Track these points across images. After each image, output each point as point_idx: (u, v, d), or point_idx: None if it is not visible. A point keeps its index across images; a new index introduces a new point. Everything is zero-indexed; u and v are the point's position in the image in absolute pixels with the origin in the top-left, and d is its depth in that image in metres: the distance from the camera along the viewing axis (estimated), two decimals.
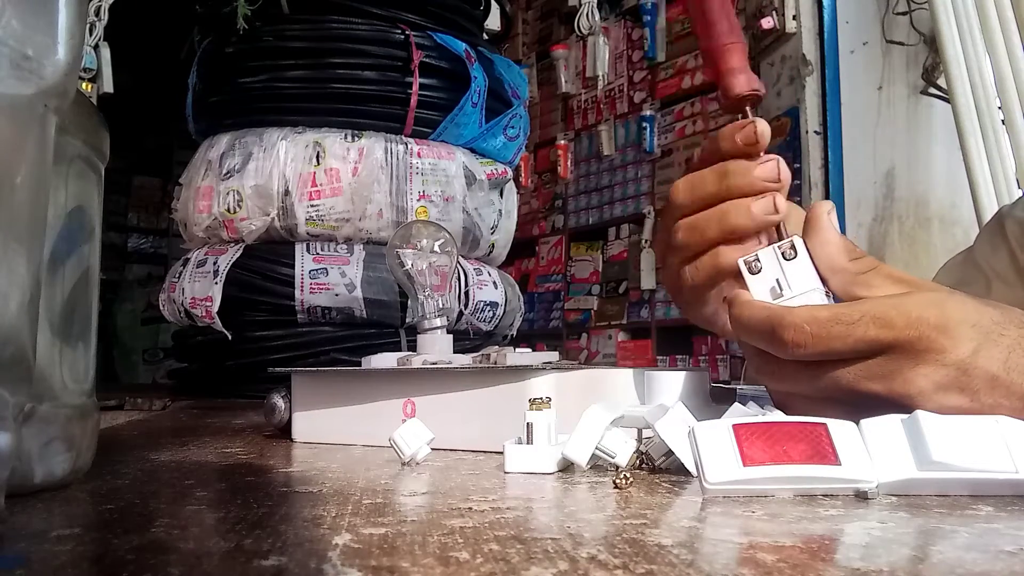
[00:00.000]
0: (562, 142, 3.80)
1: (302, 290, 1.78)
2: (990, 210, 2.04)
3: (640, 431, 0.52)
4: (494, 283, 2.02)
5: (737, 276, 0.49)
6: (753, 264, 0.48)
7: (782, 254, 0.48)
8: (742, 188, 0.49)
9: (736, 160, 0.50)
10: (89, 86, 2.27)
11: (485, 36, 2.24)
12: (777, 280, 0.48)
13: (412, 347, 0.81)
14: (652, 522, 0.34)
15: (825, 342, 0.42)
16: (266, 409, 0.74)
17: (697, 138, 3.21)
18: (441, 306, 0.82)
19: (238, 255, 1.82)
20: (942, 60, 2.23)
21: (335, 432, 0.69)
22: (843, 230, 2.63)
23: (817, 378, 0.44)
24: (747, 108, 0.51)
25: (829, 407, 0.45)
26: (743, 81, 0.50)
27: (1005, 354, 0.42)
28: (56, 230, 0.42)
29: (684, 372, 0.56)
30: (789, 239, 0.48)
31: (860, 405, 0.43)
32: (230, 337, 1.79)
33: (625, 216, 3.52)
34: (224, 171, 1.83)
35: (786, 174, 0.49)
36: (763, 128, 0.49)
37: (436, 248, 0.88)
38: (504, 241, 2.13)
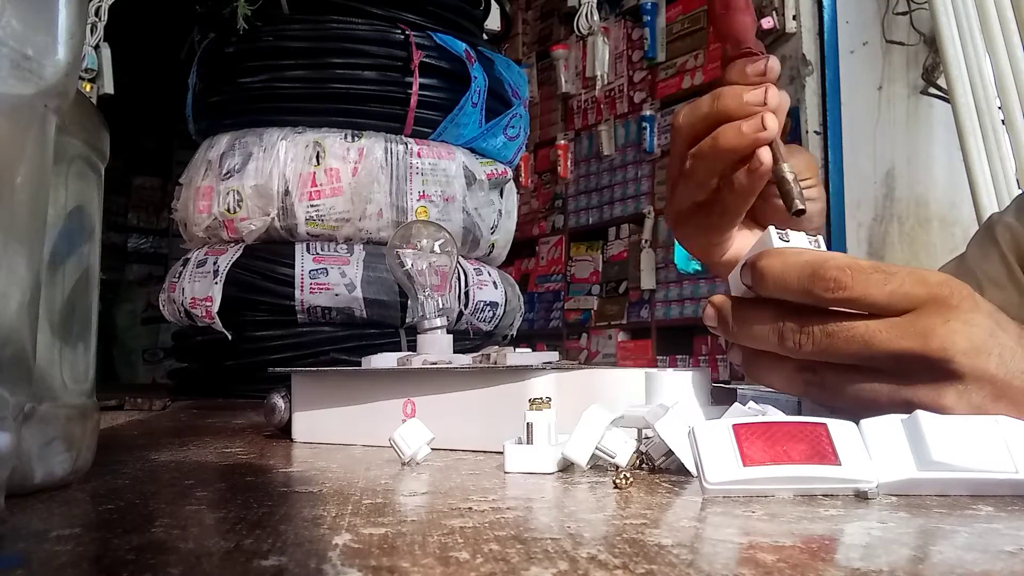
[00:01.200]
0: (562, 142, 3.80)
1: (302, 290, 1.78)
2: (990, 210, 2.04)
3: (640, 431, 0.52)
4: (494, 283, 2.02)
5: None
6: (783, 235, 0.48)
7: (809, 241, 0.48)
8: (731, 110, 0.51)
9: (730, 86, 0.52)
10: (88, 86, 2.27)
11: (485, 36, 2.24)
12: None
13: (412, 347, 0.81)
14: (652, 522, 0.34)
15: (864, 286, 0.42)
16: (266, 409, 0.74)
17: None
18: (441, 306, 0.82)
19: (238, 255, 1.82)
20: (942, 60, 2.23)
21: (335, 432, 0.69)
22: (843, 230, 2.62)
23: (850, 340, 0.43)
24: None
25: (851, 378, 0.45)
26: (756, 43, 0.53)
27: (1017, 329, 0.44)
28: (56, 230, 0.42)
29: (685, 372, 0.56)
30: (817, 236, 0.48)
31: (890, 373, 0.43)
32: (230, 337, 1.79)
33: (625, 216, 3.52)
34: (224, 171, 1.83)
35: (774, 99, 0.51)
36: (774, 63, 0.52)
37: (436, 248, 0.88)
38: (504, 241, 2.13)
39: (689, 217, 0.57)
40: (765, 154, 0.50)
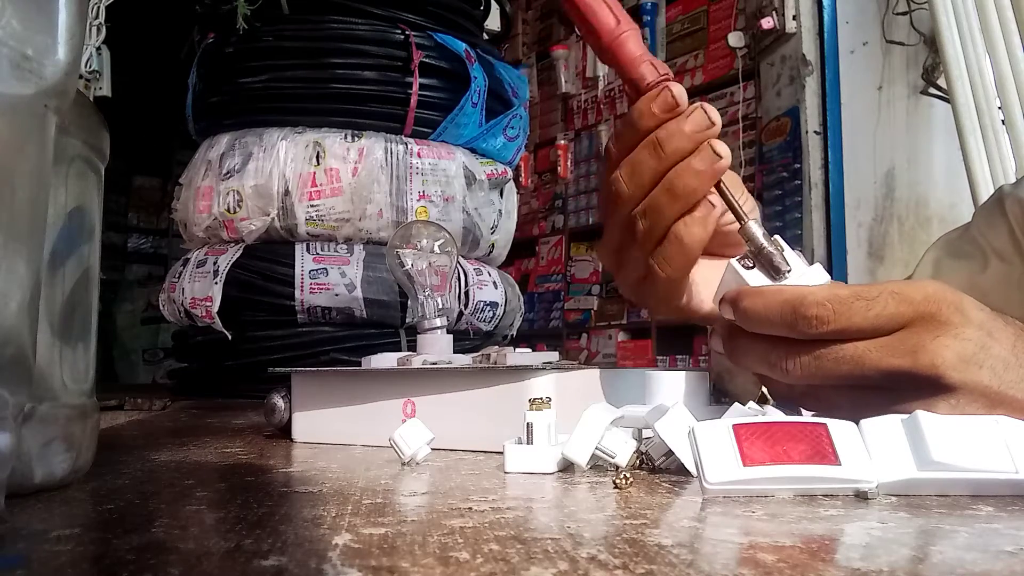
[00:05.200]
0: (562, 142, 3.80)
1: (302, 290, 1.77)
2: None
3: (640, 431, 0.52)
4: (494, 283, 2.02)
5: (731, 267, 0.47)
6: (745, 262, 0.47)
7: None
8: (680, 151, 0.47)
9: (662, 126, 0.47)
10: (85, 85, 2.26)
11: (485, 36, 2.24)
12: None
13: (412, 347, 0.81)
14: (652, 522, 0.34)
15: (847, 317, 0.42)
16: (266, 409, 0.74)
17: None
18: (441, 306, 0.82)
19: (238, 255, 1.82)
20: (942, 60, 2.23)
21: (335, 432, 0.69)
22: (843, 230, 2.60)
23: (840, 361, 0.43)
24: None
25: (845, 394, 0.45)
26: (650, 69, 0.48)
27: (1012, 340, 0.43)
28: (56, 230, 0.42)
29: (684, 372, 0.56)
30: (773, 237, 0.47)
31: (883, 389, 0.43)
32: (230, 337, 1.79)
33: None
34: (224, 171, 1.83)
35: (716, 115, 0.47)
36: (678, 90, 0.47)
37: (436, 248, 0.88)
38: (504, 241, 2.13)
39: (645, 284, 0.52)
40: (715, 198, 0.47)
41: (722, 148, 0.47)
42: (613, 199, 0.50)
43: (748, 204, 0.52)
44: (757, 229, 0.46)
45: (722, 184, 0.48)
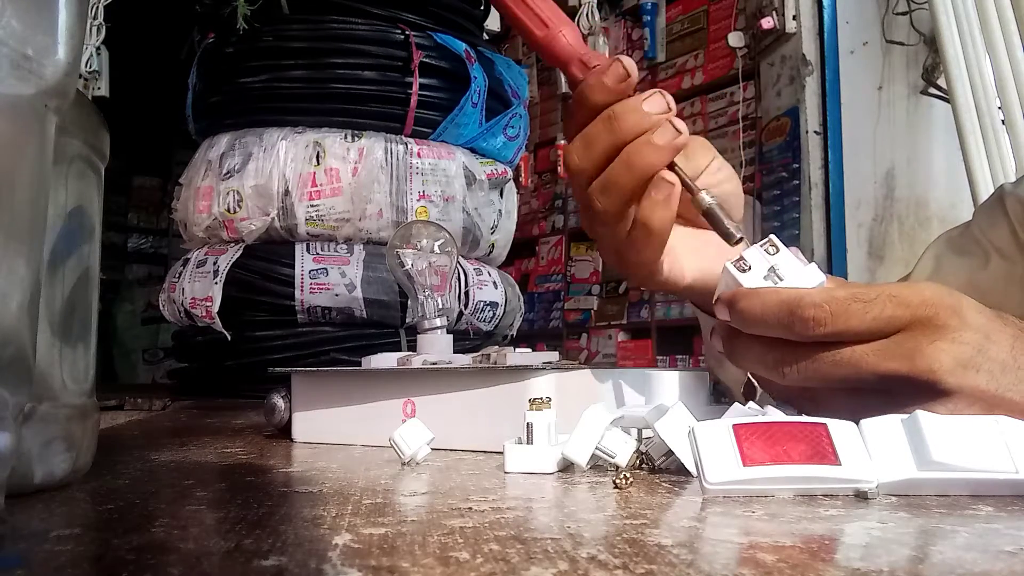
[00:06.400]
0: (562, 142, 3.80)
1: (302, 290, 1.78)
2: None
3: (640, 431, 0.52)
4: (494, 283, 2.02)
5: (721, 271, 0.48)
6: (741, 264, 0.46)
7: (764, 250, 0.47)
8: (636, 126, 0.48)
9: (619, 103, 0.48)
10: (84, 85, 2.26)
11: (485, 36, 2.24)
12: (770, 268, 0.46)
13: (412, 347, 0.81)
14: (652, 522, 0.34)
15: (844, 320, 0.42)
16: (266, 409, 0.74)
17: None
18: (441, 306, 0.82)
19: (238, 255, 1.82)
20: (942, 60, 2.23)
21: (335, 432, 0.69)
22: (843, 230, 2.60)
23: (837, 364, 0.43)
24: None
25: (842, 396, 0.45)
26: (593, 56, 0.50)
27: (1011, 341, 0.43)
28: (56, 230, 0.42)
29: (684, 372, 0.56)
30: (768, 238, 0.47)
31: (880, 391, 0.43)
32: (230, 337, 1.79)
33: None
34: (224, 171, 1.83)
35: (672, 103, 0.48)
36: (629, 62, 0.48)
37: (436, 248, 0.88)
38: (504, 241, 2.13)
39: (622, 258, 0.52)
40: (668, 174, 0.47)
41: (681, 125, 0.48)
42: (568, 172, 0.51)
43: (725, 171, 0.53)
44: (707, 197, 0.47)
45: (678, 169, 0.48)
